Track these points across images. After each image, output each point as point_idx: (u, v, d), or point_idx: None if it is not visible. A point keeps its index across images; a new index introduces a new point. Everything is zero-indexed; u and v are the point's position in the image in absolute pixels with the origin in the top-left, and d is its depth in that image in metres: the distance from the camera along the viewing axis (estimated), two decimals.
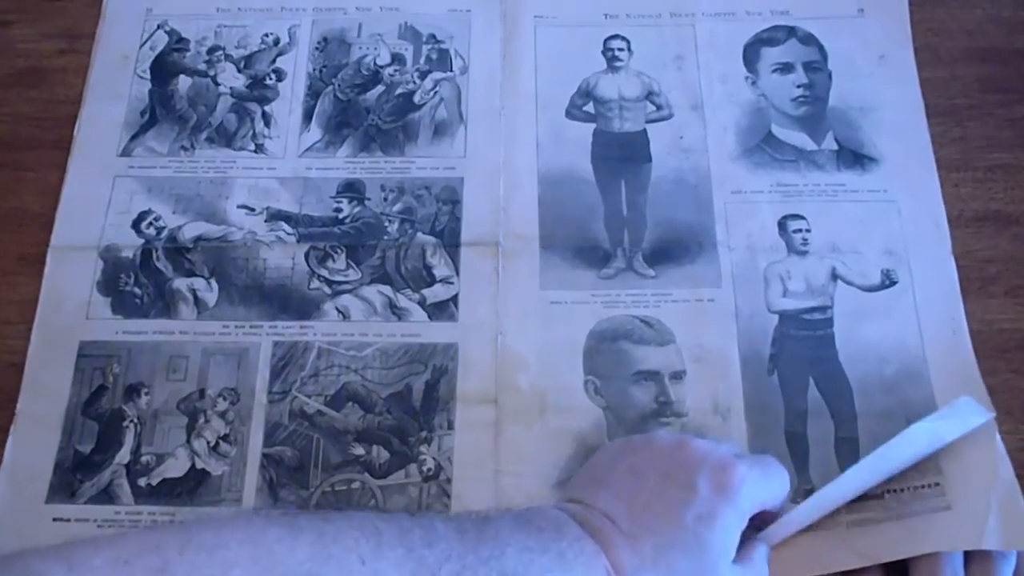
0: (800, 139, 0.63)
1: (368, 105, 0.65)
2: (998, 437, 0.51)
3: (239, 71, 0.66)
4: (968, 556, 0.48)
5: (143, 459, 0.54)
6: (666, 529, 0.42)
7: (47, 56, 0.66)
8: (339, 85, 0.66)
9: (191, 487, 0.54)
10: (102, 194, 0.62)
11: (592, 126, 0.64)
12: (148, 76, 0.66)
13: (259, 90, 0.66)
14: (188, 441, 0.55)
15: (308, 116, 0.64)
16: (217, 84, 0.66)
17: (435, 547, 0.39)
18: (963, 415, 0.50)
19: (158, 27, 0.68)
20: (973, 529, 0.48)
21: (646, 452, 0.46)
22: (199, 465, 0.54)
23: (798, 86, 0.64)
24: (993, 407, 0.52)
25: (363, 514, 0.40)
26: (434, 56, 0.66)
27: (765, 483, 0.46)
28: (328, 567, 0.36)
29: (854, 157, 0.62)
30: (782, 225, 0.60)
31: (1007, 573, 0.48)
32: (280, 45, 0.67)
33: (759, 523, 0.47)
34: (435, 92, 0.65)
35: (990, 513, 0.48)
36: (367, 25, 0.68)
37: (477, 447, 0.54)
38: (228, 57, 0.67)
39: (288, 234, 0.60)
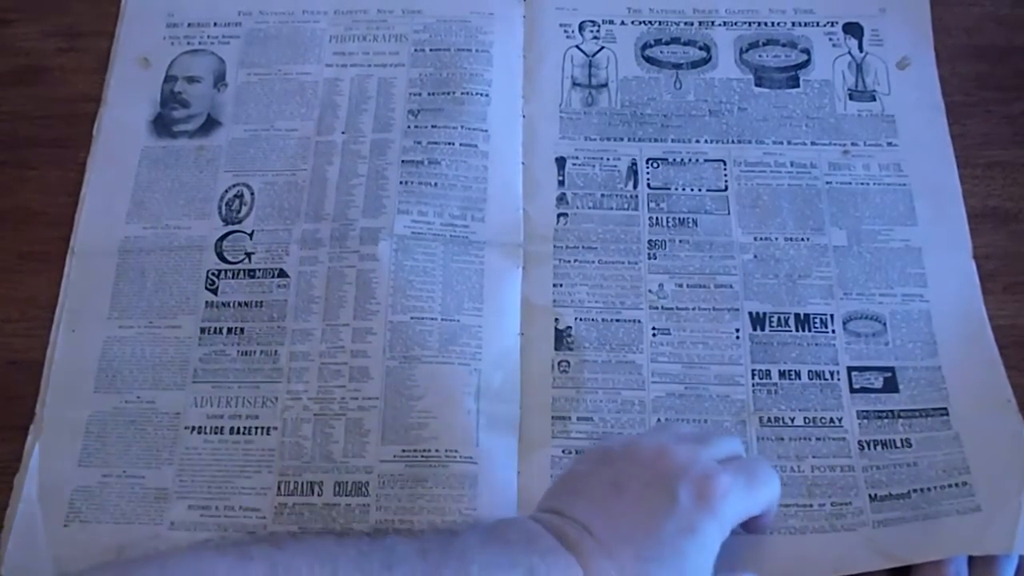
0: None
1: None
2: None
3: None
4: (971, 555, 0.48)
5: None
6: (645, 540, 0.41)
7: (47, 54, 0.66)
8: None
9: None
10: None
11: None
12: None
13: None
14: None
15: None
16: None
17: (395, 570, 0.37)
18: None
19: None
20: (1005, 532, 0.48)
21: (626, 460, 0.44)
22: None
23: None
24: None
25: (319, 540, 0.38)
26: None
27: (750, 492, 0.44)
28: None
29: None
30: None
31: (1009, 572, 0.48)
32: None
33: (751, 528, 0.46)
34: None
35: (1021, 516, 0.48)
36: None
37: None
38: None
39: None
